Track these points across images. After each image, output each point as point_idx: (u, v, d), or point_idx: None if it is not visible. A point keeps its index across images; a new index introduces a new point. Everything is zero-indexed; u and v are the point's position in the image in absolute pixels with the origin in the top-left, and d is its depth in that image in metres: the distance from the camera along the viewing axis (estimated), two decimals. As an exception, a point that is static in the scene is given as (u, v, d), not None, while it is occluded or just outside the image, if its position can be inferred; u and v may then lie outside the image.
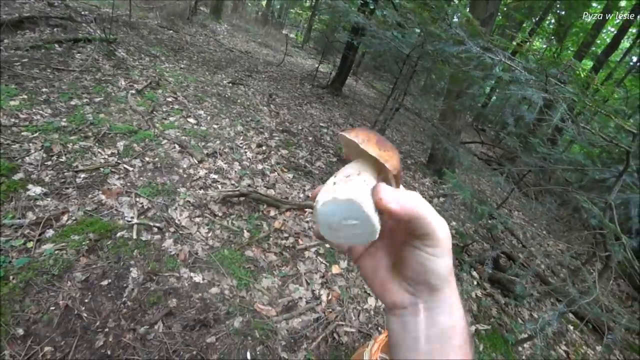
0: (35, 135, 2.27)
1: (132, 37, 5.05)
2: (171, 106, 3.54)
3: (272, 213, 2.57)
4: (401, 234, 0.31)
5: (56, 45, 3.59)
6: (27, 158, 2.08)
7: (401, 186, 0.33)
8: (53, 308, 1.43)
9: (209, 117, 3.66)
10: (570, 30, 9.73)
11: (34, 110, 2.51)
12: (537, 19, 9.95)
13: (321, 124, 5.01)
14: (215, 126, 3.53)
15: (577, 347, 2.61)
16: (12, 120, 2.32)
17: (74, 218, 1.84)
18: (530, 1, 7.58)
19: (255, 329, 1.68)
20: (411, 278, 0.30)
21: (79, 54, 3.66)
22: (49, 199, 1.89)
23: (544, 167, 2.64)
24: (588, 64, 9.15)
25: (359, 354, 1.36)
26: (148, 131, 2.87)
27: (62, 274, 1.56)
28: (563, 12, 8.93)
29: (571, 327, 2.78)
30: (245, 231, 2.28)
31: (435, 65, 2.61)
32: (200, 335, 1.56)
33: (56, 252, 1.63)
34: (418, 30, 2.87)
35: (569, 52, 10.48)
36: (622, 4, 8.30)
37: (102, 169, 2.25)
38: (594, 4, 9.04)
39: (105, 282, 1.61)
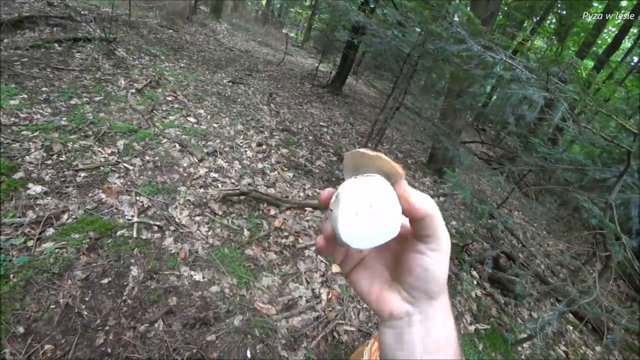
0: (35, 134, 2.27)
1: (132, 37, 5.04)
2: (171, 105, 3.54)
3: (272, 212, 2.57)
4: (401, 240, 0.31)
5: (56, 45, 3.58)
6: (27, 157, 2.07)
7: None
8: (53, 306, 1.43)
9: (209, 116, 3.66)
10: (571, 30, 9.71)
11: (34, 109, 2.51)
12: (537, 18, 9.93)
13: (321, 123, 5.01)
14: (216, 125, 3.53)
15: (577, 348, 2.61)
16: (12, 119, 2.32)
17: (74, 217, 1.84)
18: (531, 1, 7.56)
19: (255, 327, 1.68)
20: (412, 285, 0.30)
21: (78, 54, 3.66)
22: (49, 198, 1.89)
23: (544, 166, 2.64)
24: (589, 64, 9.13)
25: (358, 353, 1.36)
26: (148, 130, 2.87)
27: (63, 272, 1.56)
28: (564, 12, 8.92)
29: (570, 328, 2.78)
30: (245, 230, 2.29)
31: (435, 64, 2.61)
32: (201, 334, 1.56)
33: (56, 250, 1.63)
34: (418, 30, 2.86)
35: (570, 51, 10.46)
36: (623, 3, 8.28)
37: (102, 168, 2.25)
38: (595, 4, 9.02)
39: (105, 281, 1.61)
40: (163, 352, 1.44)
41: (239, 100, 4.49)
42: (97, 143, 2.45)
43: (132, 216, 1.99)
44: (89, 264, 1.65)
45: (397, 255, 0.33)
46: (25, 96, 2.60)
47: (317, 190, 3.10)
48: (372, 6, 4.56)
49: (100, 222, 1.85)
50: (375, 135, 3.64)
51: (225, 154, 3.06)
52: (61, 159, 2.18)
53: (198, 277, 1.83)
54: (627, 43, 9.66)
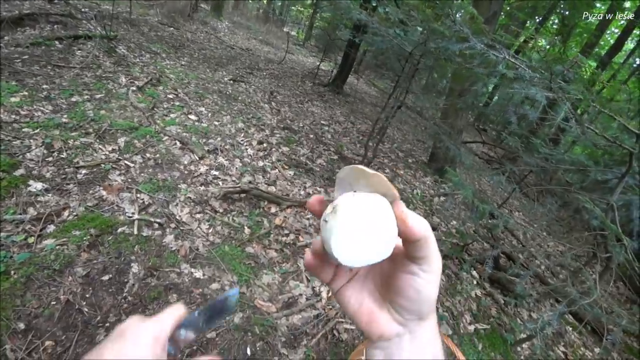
0: (36, 131, 2.27)
1: (133, 34, 5.03)
2: (172, 103, 3.53)
3: (273, 210, 2.57)
4: (392, 260, 0.31)
5: (56, 42, 3.58)
6: (28, 154, 2.07)
7: None
8: (54, 303, 1.44)
9: (210, 114, 3.65)
10: (574, 31, 9.67)
11: (34, 106, 2.50)
12: (540, 18, 9.89)
13: (322, 122, 5.00)
14: (216, 123, 3.53)
15: (575, 349, 2.61)
16: (13, 116, 2.31)
17: (75, 214, 1.84)
18: (533, 1, 7.53)
19: (256, 325, 1.69)
20: (403, 306, 0.30)
21: (79, 51, 3.65)
22: (50, 195, 1.89)
23: (545, 167, 2.63)
24: (592, 65, 9.09)
25: (358, 351, 1.36)
26: (149, 127, 2.87)
27: (63, 269, 1.56)
28: (567, 12, 8.88)
29: (570, 329, 2.79)
30: (246, 227, 2.29)
31: (437, 63, 2.59)
32: (201, 331, 1.56)
33: (57, 247, 1.63)
34: (420, 29, 2.85)
35: (573, 52, 10.42)
36: (627, 4, 8.24)
37: (103, 165, 2.24)
38: (598, 4, 8.98)
39: (106, 277, 1.61)
40: (163, 349, 1.44)
41: (240, 98, 4.48)
42: (98, 140, 2.45)
43: (133, 213, 1.99)
44: (90, 261, 1.65)
45: (388, 275, 0.32)
46: (26, 93, 2.59)
47: (318, 189, 3.10)
48: (374, 4, 4.55)
49: (101, 219, 1.85)
50: (376, 134, 3.64)
51: (226, 152, 3.06)
52: (62, 156, 2.18)
53: (198, 274, 1.83)
54: (629, 44, 9.62)
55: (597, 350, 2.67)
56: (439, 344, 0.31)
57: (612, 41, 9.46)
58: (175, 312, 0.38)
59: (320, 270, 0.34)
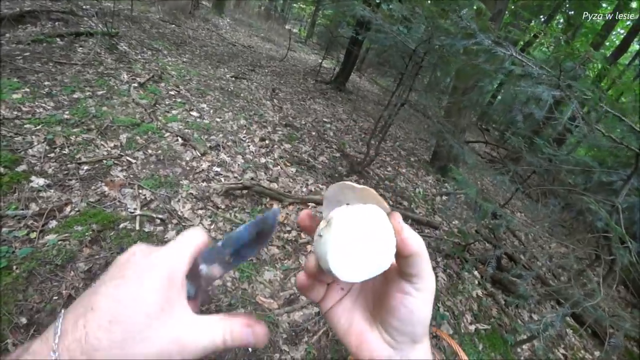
0: (38, 127, 2.26)
1: (134, 31, 5.02)
2: (174, 99, 3.52)
3: (275, 206, 2.56)
4: (385, 279, 0.30)
5: (58, 39, 3.57)
6: (30, 150, 2.07)
7: None
8: (56, 297, 1.44)
9: (211, 111, 3.64)
10: (579, 31, 9.58)
11: (36, 103, 2.50)
12: (545, 18, 9.80)
13: (324, 119, 4.99)
14: (218, 119, 3.52)
15: (576, 351, 2.60)
16: (15, 112, 2.31)
17: (77, 209, 1.84)
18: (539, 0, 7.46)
19: (257, 323, 1.68)
20: (396, 327, 0.28)
21: (81, 48, 3.64)
22: (52, 191, 1.89)
23: (549, 168, 2.61)
24: (602, 58, 8.99)
25: None
26: (151, 124, 2.86)
27: (65, 264, 1.56)
28: (572, 12, 8.80)
29: (570, 331, 2.78)
30: (247, 225, 2.28)
31: (441, 60, 2.57)
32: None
33: (59, 242, 1.63)
34: (423, 27, 2.83)
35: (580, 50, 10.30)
36: (634, 4, 8.15)
37: (105, 161, 2.24)
38: (604, 4, 8.88)
39: (107, 274, 1.61)
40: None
41: (241, 95, 4.47)
42: (99, 136, 2.45)
43: (135, 209, 1.99)
44: (92, 256, 1.65)
45: (380, 294, 0.31)
46: (28, 90, 2.59)
47: (320, 186, 3.09)
48: (377, 1, 4.52)
49: (102, 215, 1.85)
50: (378, 132, 3.62)
51: (228, 149, 3.05)
52: (64, 152, 2.17)
53: (200, 271, 1.83)
54: (635, 45, 9.53)
55: (597, 353, 2.66)
56: None
57: (617, 42, 9.37)
58: (194, 239, 0.29)
59: (312, 289, 0.32)
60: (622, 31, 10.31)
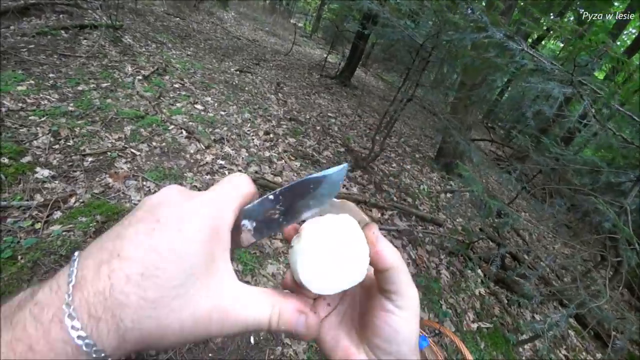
0: (42, 119, 2.27)
1: (139, 24, 4.99)
2: (178, 92, 3.51)
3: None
4: (366, 297, 0.28)
5: (62, 32, 3.55)
6: (35, 142, 2.07)
7: None
8: (60, 288, 1.44)
9: (216, 104, 3.63)
10: (590, 29, 9.37)
11: (41, 95, 2.50)
12: (555, 15, 9.60)
13: (329, 114, 4.95)
14: (223, 113, 3.50)
15: (577, 353, 2.59)
16: (20, 104, 2.31)
17: (81, 200, 1.84)
18: (550, -3, 7.29)
19: (259, 317, 1.68)
20: (382, 348, 0.26)
21: (85, 40, 3.63)
22: (57, 182, 1.89)
23: (556, 167, 2.57)
24: (619, 50, 8.81)
25: None
26: (155, 116, 2.85)
27: (70, 254, 1.57)
28: (583, 10, 8.59)
29: (572, 333, 2.76)
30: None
31: (449, 55, 2.52)
32: (205, 321, 1.57)
33: (64, 233, 1.63)
34: (431, 23, 2.78)
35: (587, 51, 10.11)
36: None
37: (109, 153, 2.24)
38: (616, 3, 8.66)
39: (111, 265, 1.62)
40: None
41: (246, 89, 4.44)
42: (104, 129, 2.45)
43: (139, 200, 1.99)
44: (96, 248, 1.65)
45: (364, 312, 0.29)
46: (33, 82, 2.59)
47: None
48: (385, -5, 4.44)
49: (107, 206, 1.85)
50: (384, 127, 3.58)
51: (233, 142, 3.04)
52: (69, 143, 2.18)
53: (203, 264, 1.83)
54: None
55: (599, 355, 2.65)
56: None
57: (629, 42, 9.17)
58: (242, 187, 0.25)
59: None
60: (633, 31, 10.08)
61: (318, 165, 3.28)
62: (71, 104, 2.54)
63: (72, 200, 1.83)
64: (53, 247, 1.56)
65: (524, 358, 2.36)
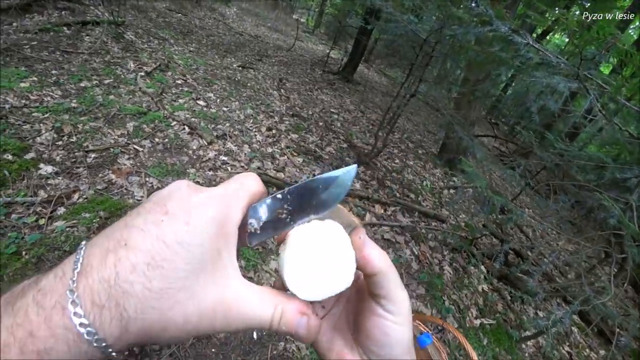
0: (45, 116, 2.27)
1: (141, 20, 4.98)
2: (180, 88, 3.51)
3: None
4: (359, 300, 0.28)
5: (65, 28, 3.55)
6: (38, 138, 2.08)
7: None
8: (65, 283, 1.45)
9: (218, 100, 3.62)
10: (597, 22, 9.21)
11: (44, 91, 2.50)
12: (562, 8, 9.45)
13: (332, 110, 4.93)
14: (225, 109, 3.50)
15: (581, 349, 2.58)
16: (23, 101, 2.32)
17: (84, 196, 1.85)
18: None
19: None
20: (373, 351, 0.26)
21: (87, 37, 3.63)
22: (60, 178, 1.90)
23: (560, 163, 2.54)
24: (628, 43, 8.66)
25: None
26: (157, 113, 2.85)
27: (74, 250, 1.57)
28: (588, 5, 8.46)
29: (575, 329, 2.75)
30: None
31: (452, 50, 2.49)
32: (208, 316, 1.57)
33: (67, 229, 1.65)
34: (434, 17, 2.74)
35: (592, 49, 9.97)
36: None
37: (112, 149, 2.25)
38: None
39: (115, 261, 1.63)
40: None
41: (248, 84, 4.43)
42: (107, 125, 2.45)
43: (142, 197, 2.00)
44: (99, 244, 1.66)
45: (357, 316, 0.29)
46: (36, 79, 2.59)
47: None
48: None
49: (110, 202, 1.86)
50: (386, 123, 3.56)
51: (235, 138, 3.04)
52: (72, 140, 2.18)
53: (206, 260, 1.83)
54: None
55: (602, 352, 2.64)
56: None
57: (635, 37, 9.01)
58: (251, 185, 0.25)
59: None
60: (640, 24, 9.90)
61: (321, 161, 3.27)
62: (74, 101, 2.54)
63: (76, 196, 1.84)
64: (57, 243, 1.57)
65: (527, 354, 2.35)
